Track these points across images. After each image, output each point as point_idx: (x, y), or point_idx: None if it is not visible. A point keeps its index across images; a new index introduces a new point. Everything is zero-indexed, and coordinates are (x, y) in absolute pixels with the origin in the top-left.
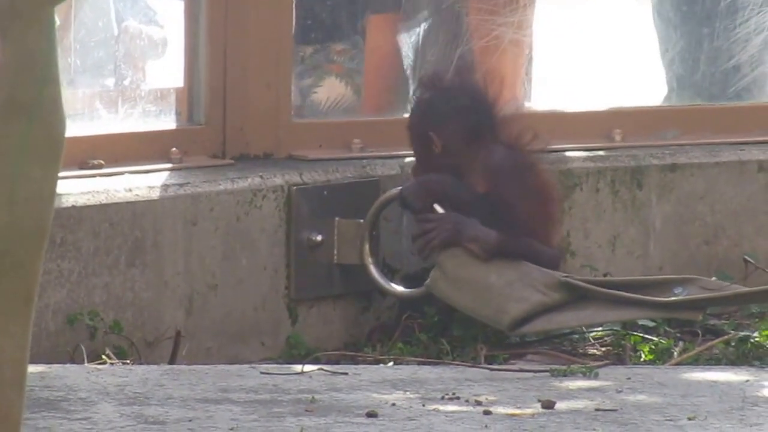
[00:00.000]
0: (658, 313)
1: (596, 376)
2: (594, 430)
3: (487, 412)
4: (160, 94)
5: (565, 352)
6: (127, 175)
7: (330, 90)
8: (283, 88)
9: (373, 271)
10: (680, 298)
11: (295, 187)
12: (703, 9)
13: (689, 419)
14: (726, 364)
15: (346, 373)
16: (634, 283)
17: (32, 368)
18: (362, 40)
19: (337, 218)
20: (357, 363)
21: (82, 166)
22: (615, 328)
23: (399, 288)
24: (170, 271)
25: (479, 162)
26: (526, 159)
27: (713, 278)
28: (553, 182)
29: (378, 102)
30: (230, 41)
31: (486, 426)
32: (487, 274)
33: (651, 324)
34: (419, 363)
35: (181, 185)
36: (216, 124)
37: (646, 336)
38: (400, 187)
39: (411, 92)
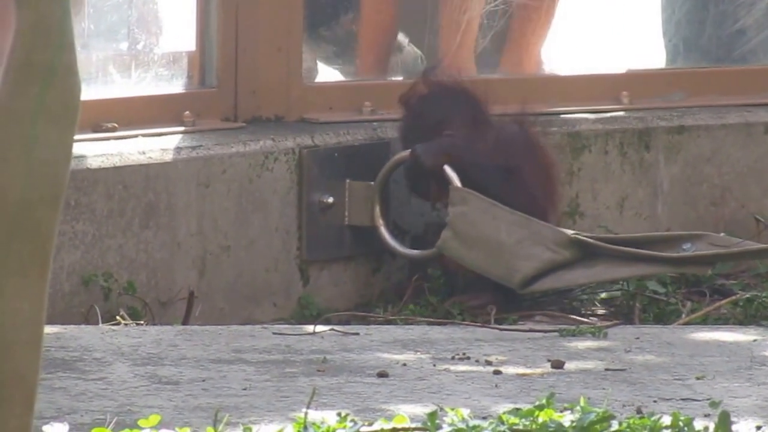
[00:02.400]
0: (667, 268)
1: (605, 337)
2: (603, 389)
3: (497, 372)
4: (172, 57)
5: (574, 312)
6: (140, 138)
7: (339, 53)
8: (294, 52)
9: (384, 232)
10: (690, 253)
11: (306, 150)
12: None
13: (697, 379)
14: (734, 324)
15: (357, 334)
16: (643, 239)
17: (48, 329)
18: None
19: (348, 180)
20: (368, 324)
21: (96, 129)
22: (624, 288)
23: (409, 249)
24: (183, 233)
25: (490, 141)
26: (533, 136)
27: (722, 234)
28: (556, 160)
29: (374, 66)
30: (242, 5)
31: (496, 385)
32: (498, 232)
33: (661, 290)
34: (429, 323)
35: (193, 148)
36: (228, 88)
37: (655, 296)
38: (409, 150)
39: (419, 60)
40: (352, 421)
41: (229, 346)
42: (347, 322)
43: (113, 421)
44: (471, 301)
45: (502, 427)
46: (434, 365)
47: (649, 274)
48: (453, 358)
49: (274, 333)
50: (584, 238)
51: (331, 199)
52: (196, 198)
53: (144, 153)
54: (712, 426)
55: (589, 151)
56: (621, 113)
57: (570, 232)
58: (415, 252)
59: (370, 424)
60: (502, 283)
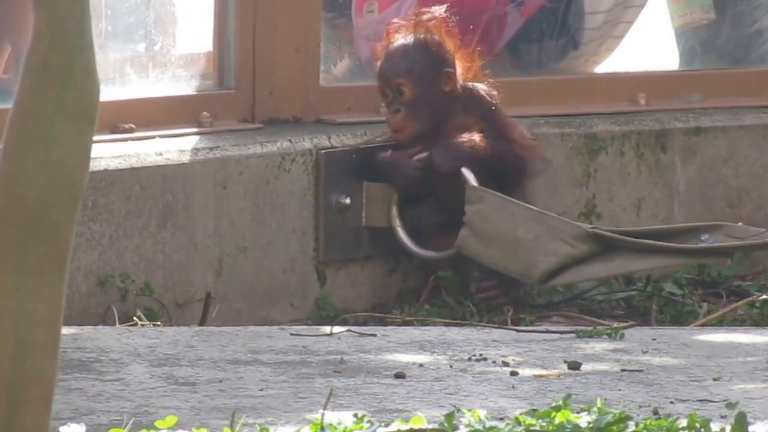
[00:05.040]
0: (686, 259)
1: (622, 338)
2: (619, 390)
3: (514, 373)
4: (190, 58)
5: (591, 313)
6: (157, 139)
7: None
8: (311, 53)
9: (401, 233)
10: (708, 245)
11: (323, 151)
12: None
13: (714, 380)
14: (750, 326)
15: (374, 335)
16: (661, 231)
17: (65, 330)
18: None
19: (365, 181)
20: (385, 325)
21: (114, 130)
22: (641, 289)
23: (426, 250)
24: (200, 234)
25: (462, 100)
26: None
27: (739, 223)
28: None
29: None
30: (259, 6)
31: (513, 386)
32: (515, 229)
33: (678, 292)
34: (446, 324)
35: (211, 149)
36: (245, 89)
37: (672, 297)
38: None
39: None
40: (369, 422)
41: (245, 346)
42: (364, 323)
43: (130, 422)
44: (487, 289)
45: (519, 428)
46: (451, 366)
47: (668, 265)
48: (470, 359)
49: (291, 334)
50: (602, 232)
51: (348, 200)
52: (214, 199)
53: (161, 154)
54: (728, 427)
55: (606, 153)
56: (638, 115)
57: (587, 226)
58: (432, 253)
59: (387, 425)
60: (522, 280)
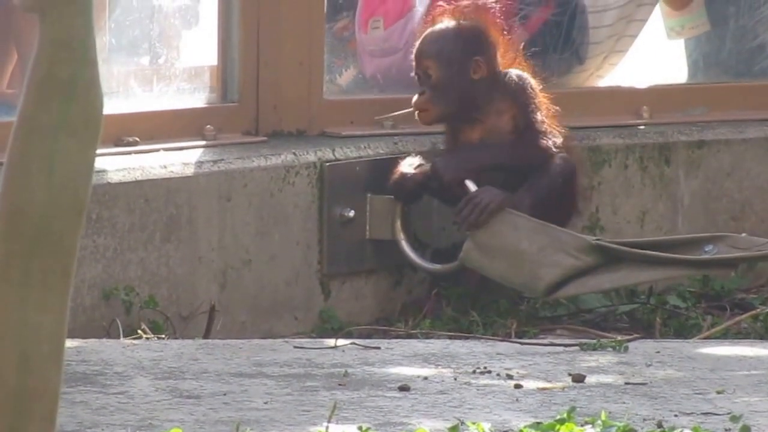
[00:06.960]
0: (690, 271)
1: (626, 351)
2: (624, 403)
3: (518, 386)
4: (194, 72)
5: (595, 326)
6: (161, 151)
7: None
8: (315, 66)
9: (405, 246)
10: (712, 256)
11: (327, 164)
12: None
13: (718, 393)
14: (754, 339)
15: (378, 348)
16: (664, 242)
17: (69, 343)
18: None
19: (369, 194)
20: (389, 337)
21: (118, 143)
22: (645, 302)
23: (430, 263)
24: (204, 247)
25: (503, 85)
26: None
27: (743, 234)
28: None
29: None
30: (263, 19)
31: (517, 399)
32: (519, 241)
33: (682, 305)
34: (450, 337)
35: (215, 162)
36: (249, 102)
37: (675, 310)
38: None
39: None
40: None
41: (250, 359)
42: (368, 336)
43: None
44: None
45: None
46: (455, 379)
47: (672, 276)
48: (474, 372)
49: (295, 347)
50: (606, 244)
51: (352, 213)
52: (218, 212)
53: (165, 167)
54: None
55: (610, 166)
56: (641, 128)
57: (591, 238)
58: (436, 265)
59: None
60: (526, 292)
